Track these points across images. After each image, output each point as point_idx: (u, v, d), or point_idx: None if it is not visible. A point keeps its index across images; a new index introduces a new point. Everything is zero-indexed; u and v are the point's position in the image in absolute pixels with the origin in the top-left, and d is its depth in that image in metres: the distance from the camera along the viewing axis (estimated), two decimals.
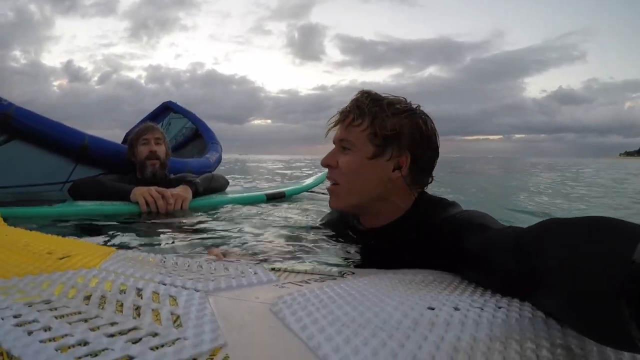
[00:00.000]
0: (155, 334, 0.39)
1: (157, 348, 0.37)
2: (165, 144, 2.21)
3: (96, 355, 0.35)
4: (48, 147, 2.20)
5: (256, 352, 0.38)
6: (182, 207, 1.89)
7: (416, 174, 0.95)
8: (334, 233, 1.20)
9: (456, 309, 0.49)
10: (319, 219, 1.40)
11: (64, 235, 1.31)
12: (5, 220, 1.50)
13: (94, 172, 2.30)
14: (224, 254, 1.06)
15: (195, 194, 2.00)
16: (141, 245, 1.30)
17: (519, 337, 0.42)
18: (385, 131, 0.91)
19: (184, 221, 1.69)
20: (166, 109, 4.08)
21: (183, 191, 1.93)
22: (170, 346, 0.37)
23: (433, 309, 0.49)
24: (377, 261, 0.91)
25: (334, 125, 1.00)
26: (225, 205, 2.09)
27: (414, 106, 0.97)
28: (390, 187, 0.95)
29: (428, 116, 0.97)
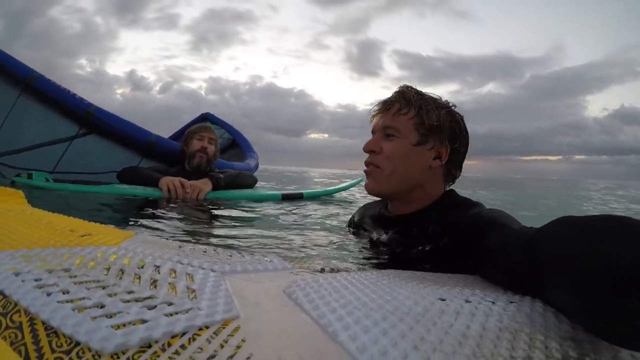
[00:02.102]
0: (170, 303, 0.40)
1: (171, 315, 0.37)
2: (216, 146, 2.50)
3: (111, 317, 0.36)
4: (120, 141, 2.60)
5: (267, 326, 0.38)
6: (197, 197, 2.11)
7: (451, 166, 1.02)
8: (354, 236, 1.20)
9: (467, 301, 0.48)
10: (346, 223, 1.41)
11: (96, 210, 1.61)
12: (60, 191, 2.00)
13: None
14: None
15: (217, 187, 2.22)
16: (159, 227, 1.35)
17: (529, 330, 0.41)
18: (431, 121, 0.98)
19: (201, 214, 1.86)
20: (204, 120, 4.46)
21: (202, 184, 2.16)
22: (184, 314, 0.38)
23: (444, 299, 0.48)
24: (396, 251, 0.94)
25: (377, 114, 1.05)
26: (247, 201, 2.26)
27: (451, 105, 1.04)
28: (428, 175, 1.00)
29: (462, 115, 1.05)
